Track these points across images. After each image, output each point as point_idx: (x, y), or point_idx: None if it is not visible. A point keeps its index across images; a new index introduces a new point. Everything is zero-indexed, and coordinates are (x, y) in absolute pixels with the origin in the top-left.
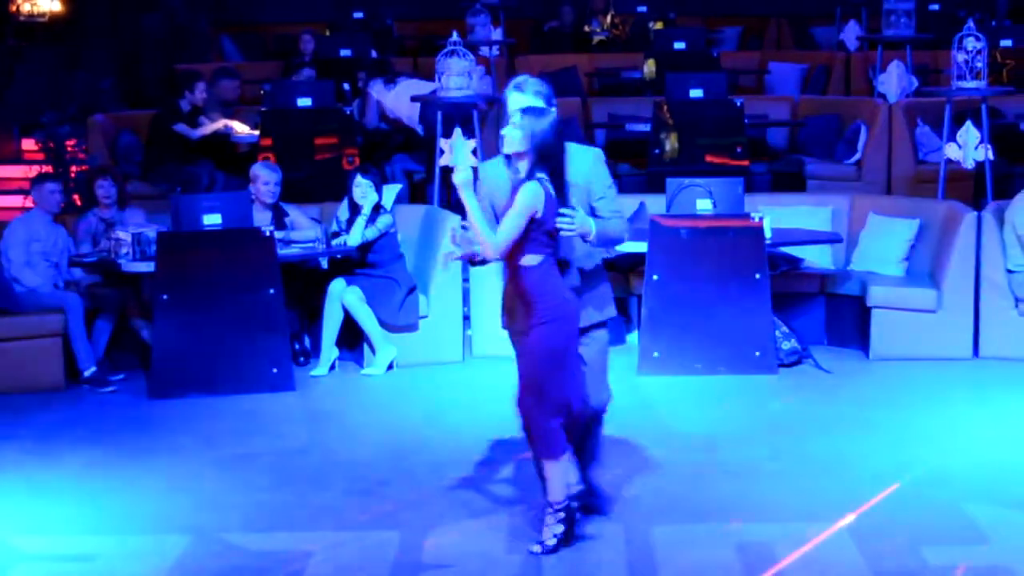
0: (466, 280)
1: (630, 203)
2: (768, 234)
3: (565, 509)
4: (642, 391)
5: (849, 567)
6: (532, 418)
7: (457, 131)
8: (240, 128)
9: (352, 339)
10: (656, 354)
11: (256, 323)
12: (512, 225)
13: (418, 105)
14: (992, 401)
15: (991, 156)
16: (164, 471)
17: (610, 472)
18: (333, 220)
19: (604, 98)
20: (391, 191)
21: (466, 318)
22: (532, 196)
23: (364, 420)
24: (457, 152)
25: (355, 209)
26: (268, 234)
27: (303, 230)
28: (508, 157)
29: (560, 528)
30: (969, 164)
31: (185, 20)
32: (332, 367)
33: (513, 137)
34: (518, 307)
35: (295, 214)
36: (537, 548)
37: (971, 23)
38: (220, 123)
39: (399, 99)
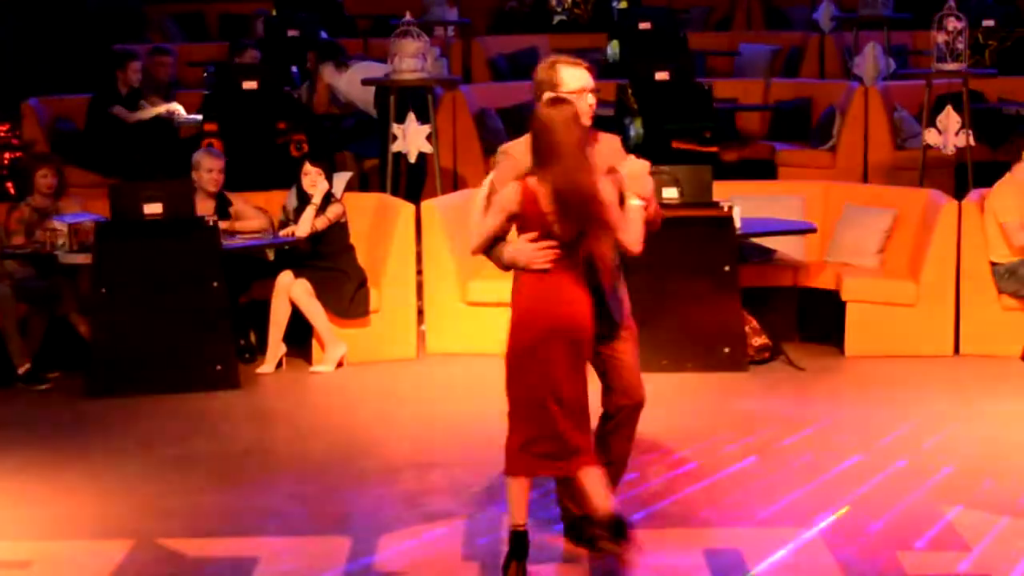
0: (420, 272)
1: None
2: (738, 224)
3: None
4: None
5: (822, 573)
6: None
7: (411, 116)
8: (183, 112)
9: (300, 335)
10: None
11: (199, 318)
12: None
13: (372, 89)
14: (973, 400)
15: (972, 142)
16: (102, 473)
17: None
18: (281, 209)
19: None
20: (341, 179)
21: (420, 313)
22: None
23: (312, 420)
24: (411, 138)
25: (304, 198)
26: (212, 224)
27: (248, 220)
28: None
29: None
30: (949, 150)
31: None
32: (279, 364)
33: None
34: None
35: (240, 203)
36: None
37: (951, 2)
38: (162, 108)
39: (351, 83)
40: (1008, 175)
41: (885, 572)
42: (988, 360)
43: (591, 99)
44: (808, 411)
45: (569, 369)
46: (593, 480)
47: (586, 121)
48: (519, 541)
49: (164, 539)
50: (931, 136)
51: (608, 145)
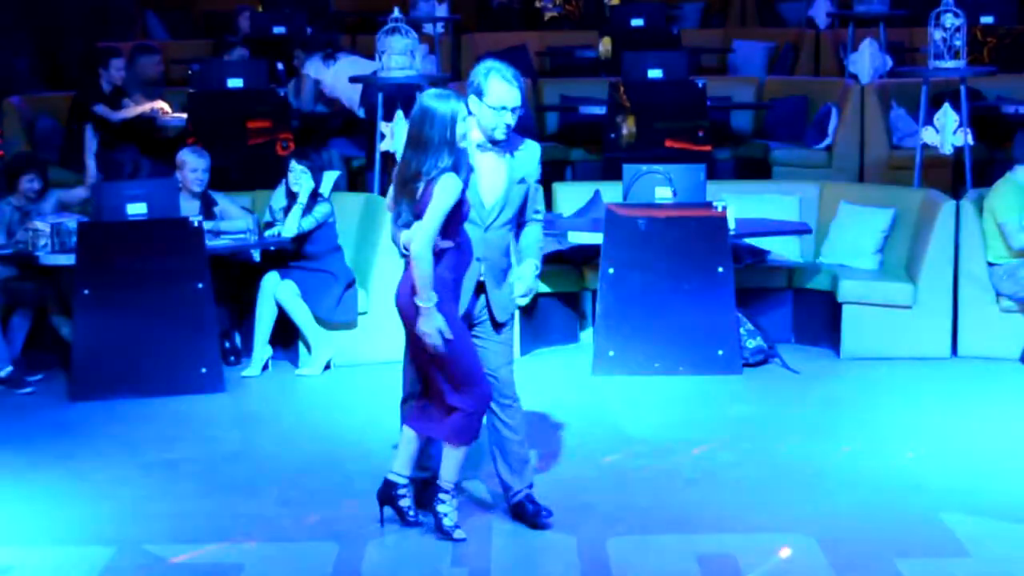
0: None
1: (584, 191)
2: (732, 224)
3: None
4: (597, 392)
5: None
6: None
7: (399, 114)
8: (169, 111)
9: (286, 337)
10: (612, 353)
11: (184, 320)
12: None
13: (359, 85)
14: (971, 403)
15: (970, 141)
16: (85, 478)
17: (562, 478)
18: (267, 209)
19: (556, 79)
20: (329, 178)
21: None
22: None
23: (299, 424)
24: (398, 137)
25: (291, 197)
26: (196, 224)
27: (234, 220)
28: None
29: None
30: (947, 149)
31: None
32: (265, 367)
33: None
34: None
35: (225, 203)
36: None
37: None
38: (146, 106)
39: (338, 78)
40: (1008, 174)
41: None
42: (986, 362)
43: (509, 117)
44: (803, 415)
45: (414, 341)
46: (447, 454)
47: (498, 135)
48: (387, 489)
49: (148, 545)
50: (929, 135)
51: (526, 152)
